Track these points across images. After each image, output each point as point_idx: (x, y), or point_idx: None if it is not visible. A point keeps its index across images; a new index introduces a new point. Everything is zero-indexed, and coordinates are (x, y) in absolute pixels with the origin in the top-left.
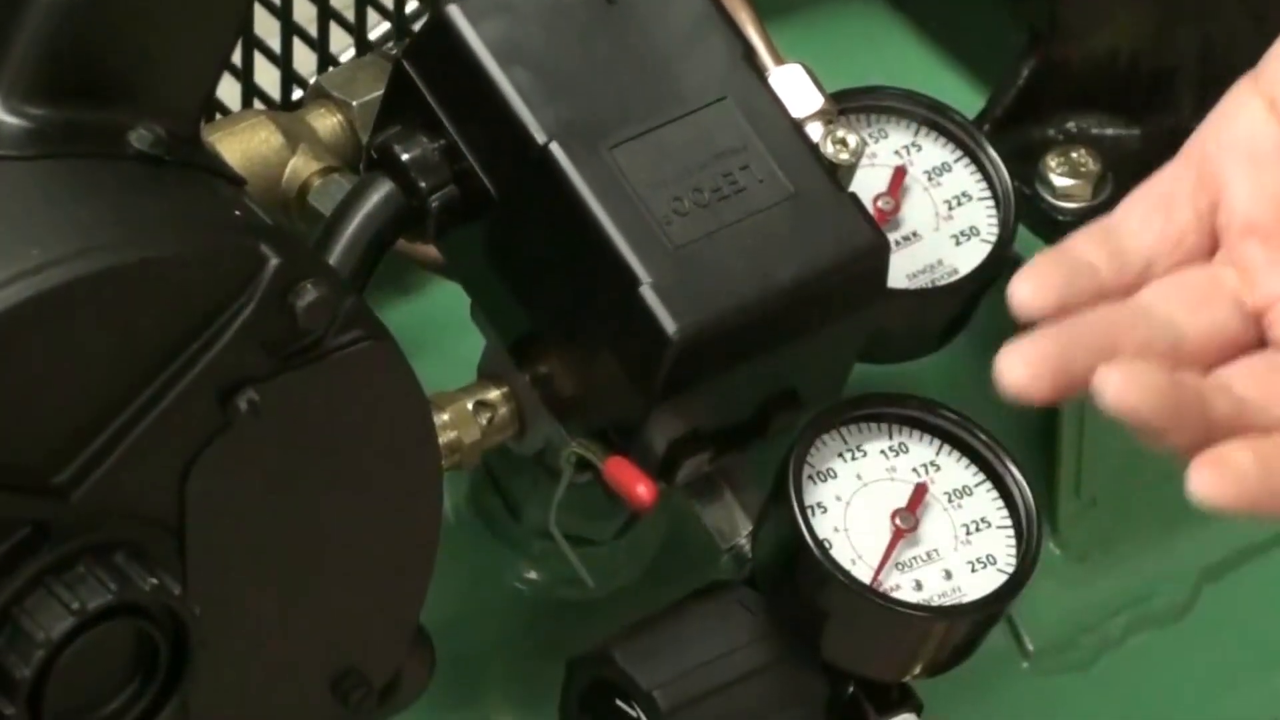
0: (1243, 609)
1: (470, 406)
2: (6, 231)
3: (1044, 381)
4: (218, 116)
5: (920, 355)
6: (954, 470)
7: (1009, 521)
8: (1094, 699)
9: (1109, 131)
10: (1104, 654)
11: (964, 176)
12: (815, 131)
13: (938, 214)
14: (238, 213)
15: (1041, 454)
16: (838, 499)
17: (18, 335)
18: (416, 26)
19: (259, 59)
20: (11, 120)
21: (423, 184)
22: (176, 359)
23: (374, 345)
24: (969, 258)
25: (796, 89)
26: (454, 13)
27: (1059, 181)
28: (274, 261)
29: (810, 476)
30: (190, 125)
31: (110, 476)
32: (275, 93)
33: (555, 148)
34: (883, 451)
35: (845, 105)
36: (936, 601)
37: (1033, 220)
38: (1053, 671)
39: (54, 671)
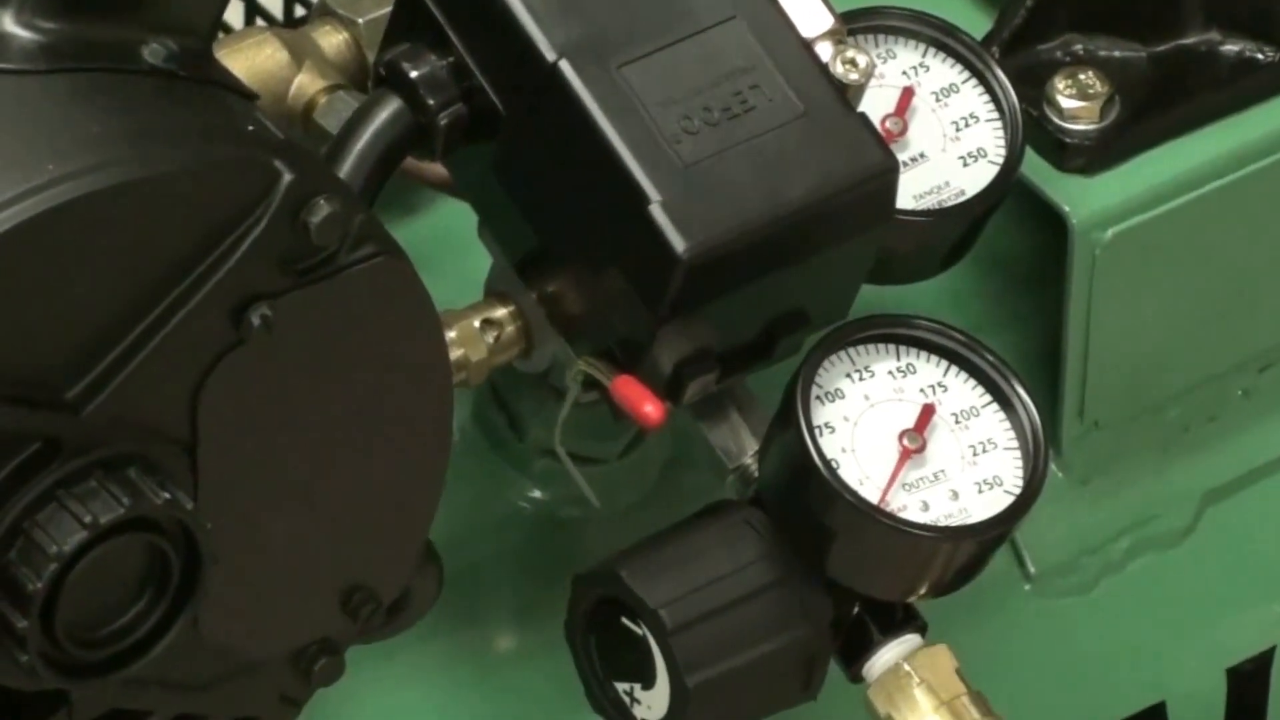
0: (1245, 533)
1: (477, 324)
2: (20, 145)
3: None
4: (220, 35)
5: (926, 276)
6: (961, 391)
7: (1015, 443)
8: (1095, 622)
9: (1117, 53)
10: (1105, 577)
11: (972, 98)
12: (825, 51)
13: (945, 135)
14: (251, 128)
15: (1045, 376)
16: (845, 419)
17: (32, 249)
18: None
19: None
20: (25, 34)
21: (431, 101)
22: (190, 274)
23: (386, 261)
24: (976, 179)
25: (806, 8)
26: None
27: (1067, 103)
28: (287, 177)
29: (818, 397)
30: (203, 41)
31: (123, 391)
32: (278, 12)
33: (565, 65)
34: (890, 372)
35: (853, 25)
36: (943, 522)
37: (1040, 142)
38: (1054, 594)
39: (66, 585)
